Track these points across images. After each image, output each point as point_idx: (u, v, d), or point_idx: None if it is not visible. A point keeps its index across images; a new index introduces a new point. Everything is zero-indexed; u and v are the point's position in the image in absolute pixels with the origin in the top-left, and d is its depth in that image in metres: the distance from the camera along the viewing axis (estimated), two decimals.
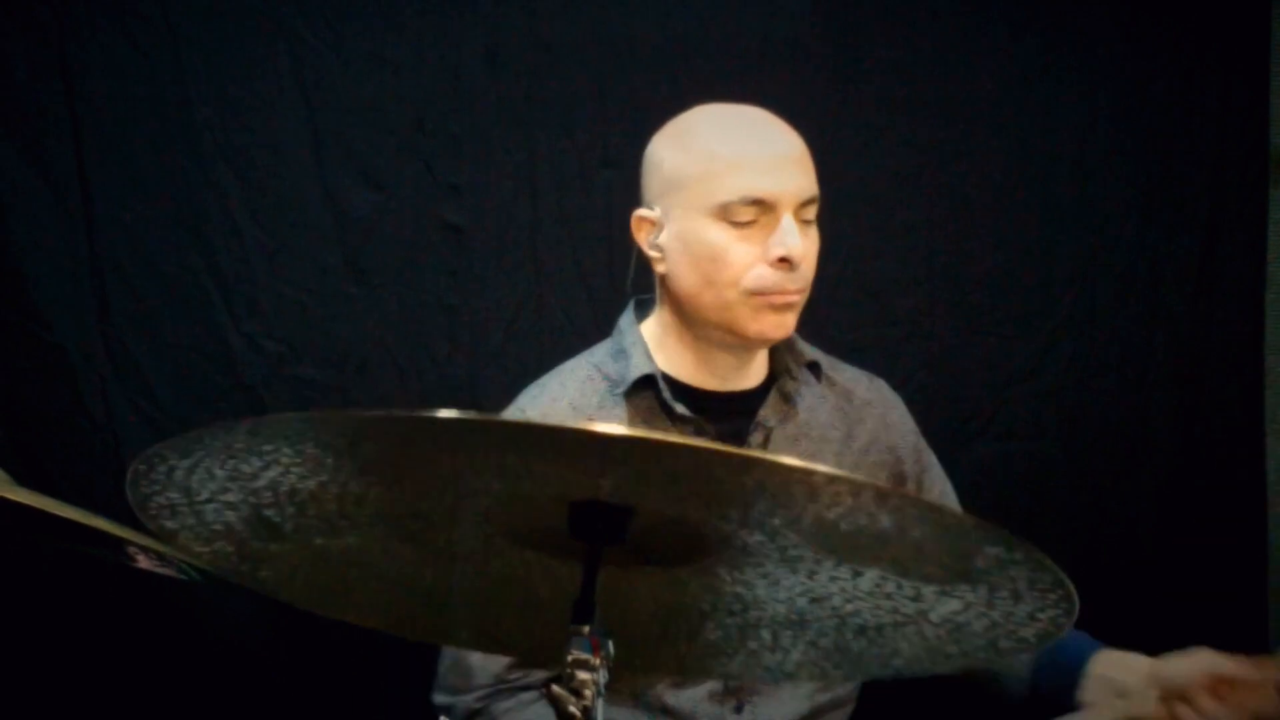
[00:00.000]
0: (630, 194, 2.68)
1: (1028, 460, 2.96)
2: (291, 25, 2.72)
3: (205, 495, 1.49)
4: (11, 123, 2.65)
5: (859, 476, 1.43)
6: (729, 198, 2.13)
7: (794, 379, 2.27)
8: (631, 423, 2.20)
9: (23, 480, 1.86)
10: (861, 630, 1.58)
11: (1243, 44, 3.03)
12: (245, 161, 2.71)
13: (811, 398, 2.31)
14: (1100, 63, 2.97)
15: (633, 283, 2.27)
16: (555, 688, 1.49)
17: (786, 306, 2.15)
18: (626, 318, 2.30)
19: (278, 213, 2.73)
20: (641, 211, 2.22)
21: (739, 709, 2.22)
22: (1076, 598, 1.43)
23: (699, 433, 2.21)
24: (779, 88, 2.73)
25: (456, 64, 2.76)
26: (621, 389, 2.22)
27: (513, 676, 2.20)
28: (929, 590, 1.50)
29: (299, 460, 1.44)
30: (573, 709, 1.47)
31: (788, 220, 2.12)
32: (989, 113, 2.94)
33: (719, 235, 2.14)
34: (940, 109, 2.93)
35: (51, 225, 2.66)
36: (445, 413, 1.33)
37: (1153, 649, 2.14)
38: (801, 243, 2.12)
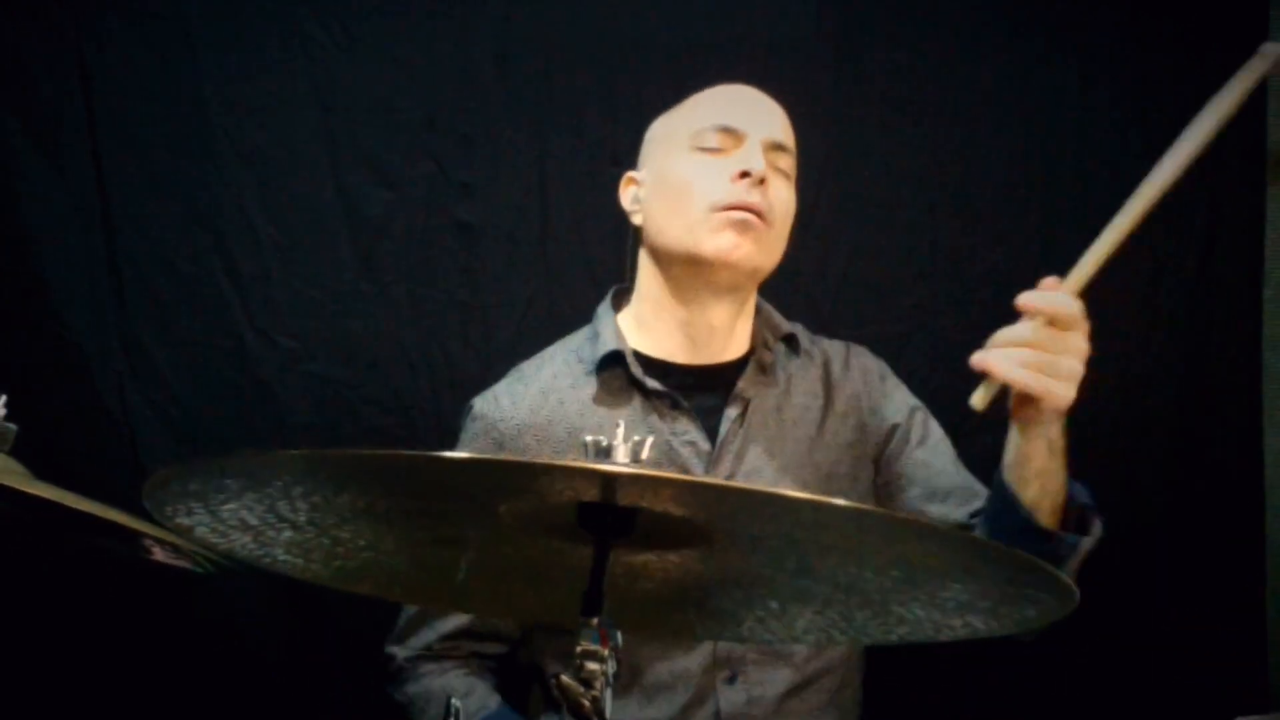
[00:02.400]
0: None
1: None
2: (305, 27, 2.73)
3: (221, 499, 1.52)
4: (30, 123, 2.65)
5: (820, 497, 1.43)
6: (701, 125, 2.22)
7: (769, 349, 2.31)
8: (599, 398, 2.24)
9: (40, 474, 1.88)
10: (866, 603, 1.61)
11: (1243, 44, 3.02)
12: (260, 161, 2.72)
13: (792, 368, 2.34)
14: (1100, 63, 2.97)
15: (629, 274, 2.33)
16: (564, 678, 1.52)
17: (745, 226, 2.17)
18: (603, 305, 2.36)
19: (291, 211, 2.74)
20: (629, 173, 2.32)
21: (731, 680, 2.24)
22: (1077, 593, 1.46)
23: (673, 406, 2.25)
24: (784, 87, 2.74)
25: (467, 64, 2.78)
26: (591, 367, 2.27)
27: (444, 646, 2.27)
28: (932, 575, 1.53)
29: (310, 474, 1.50)
30: (583, 699, 1.50)
31: (753, 144, 2.19)
32: (990, 113, 2.95)
33: (691, 162, 2.22)
34: (942, 109, 2.94)
35: (69, 224, 2.67)
36: (452, 455, 1.41)
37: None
38: (767, 172, 2.18)
